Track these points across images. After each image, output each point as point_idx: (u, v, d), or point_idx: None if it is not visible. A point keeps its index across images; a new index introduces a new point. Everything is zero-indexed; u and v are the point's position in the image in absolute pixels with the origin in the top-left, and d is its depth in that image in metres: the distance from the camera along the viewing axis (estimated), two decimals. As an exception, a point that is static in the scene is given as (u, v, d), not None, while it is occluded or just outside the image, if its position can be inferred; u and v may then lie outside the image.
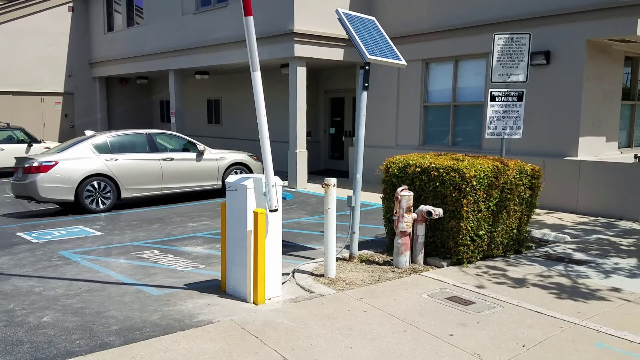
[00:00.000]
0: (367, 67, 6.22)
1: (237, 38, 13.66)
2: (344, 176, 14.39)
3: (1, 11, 18.54)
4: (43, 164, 9.80)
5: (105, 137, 10.68)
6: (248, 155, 12.63)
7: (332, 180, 5.76)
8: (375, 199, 10.92)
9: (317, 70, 16.26)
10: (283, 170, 15.02)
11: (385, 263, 6.47)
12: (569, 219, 9.29)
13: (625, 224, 8.83)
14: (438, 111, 12.30)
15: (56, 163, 9.89)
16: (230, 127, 18.63)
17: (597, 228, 8.56)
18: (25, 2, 18.98)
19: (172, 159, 11.17)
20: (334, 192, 5.77)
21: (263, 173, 5.17)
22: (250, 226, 5.03)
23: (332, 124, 16.74)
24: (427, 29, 11.99)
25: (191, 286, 5.58)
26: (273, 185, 5.07)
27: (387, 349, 4.18)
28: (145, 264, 6.49)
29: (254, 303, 5.05)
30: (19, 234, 8.26)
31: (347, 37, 12.84)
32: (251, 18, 4.83)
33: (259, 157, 13.14)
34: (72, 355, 3.86)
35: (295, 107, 12.69)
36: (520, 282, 5.79)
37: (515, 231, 6.79)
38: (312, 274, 6.05)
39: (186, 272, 6.15)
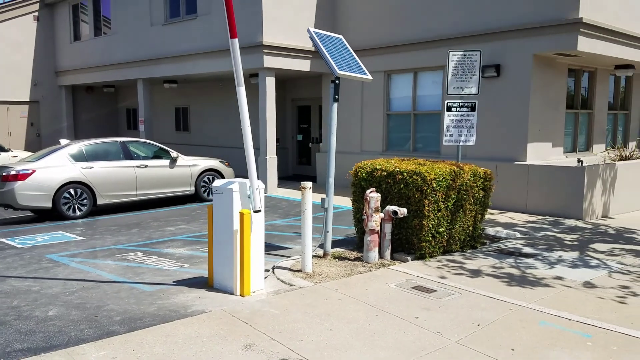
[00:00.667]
0: (337, 82, 6.85)
1: (206, 49, 14.13)
2: (312, 181, 14.99)
3: (-37, 19, 18.40)
4: (21, 172, 10.04)
5: (81, 146, 10.97)
6: (220, 161, 13.09)
7: (309, 184, 6.36)
8: (343, 202, 11.56)
9: (285, 80, 16.84)
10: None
11: (356, 259, 7.10)
12: (519, 218, 10.15)
13: (570, 222, 9.73)
14: (400, 119, 13.08)
15: (34, 171, 10.13)
16: (199, 134, 18.98)
17: (545, 226, 9.43)
18: (-11, 11, 18.89)
19: (146, 166, 11.54)
20: (310, 194, 6.37)
21: (242, 178, 5.72)
22: (236, 225, 5.57)
23: (300, 130, 17.35)
24: (387, 42, 12.76)
25: (180, 283, 6.06)
26: (257, 189, 5.62)
27: (362, 329, 4.79)
28: (132, 264, 6.92)
29: (240, 295, 5.58)
30: (1, 240, 8.50)
31: (313, 49, 13.53)
32: (236, 40, 5.38)
33: (230, 163, 13.63)
34: (83, 342, 4.31)
35: (265, 116, 13.23)
36: (475, 273, 6.50)
37: (471, 228, 7.53)
38: (290, 269, 6.62)
39: (172, 271, 6.61)
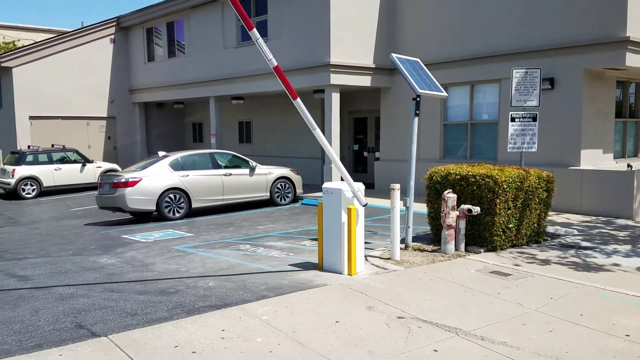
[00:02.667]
0: (418, 99, 8.07)
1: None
2: (369, 187, 16.17)
3: (50, 44, 20.47)
4: (130, 180, 11.60)
5: (178, 157, 12.51)
6: (290, 170, 14.47)
7: (397, 185, 7.58)
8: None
9: (342, 94, 18.12)
10: (314, 184, 16.84)
11: (434, 251, 8.24)
12: (574, 218, 11.09)
13: (621, 221, 10.62)
14: (456, 129, 14.18)
15: (141, 179, 11.69)
16: (260, 146, 20.47)
17: (599, 225, 10.36)
18: (72, 36, 20.94)
19: (230, 174, 13.00)
20: (398, 195, 7.58)
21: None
22: (344, 218, 6.82)
23: (355, 141, 18.62)
24: (445, 58, 13.92)
25: (294, 266, 7.34)
26: (358, 190, 6.87)
27: (456, 300, 5.94)
28: (247, 253, 8.27)
29: (348, 274, 6.82)
30: (124, 237, 10.00)
31: (373, 66, 14.85)
32: (299, 99, 6.67)
33: (298, 171, 14.97)
34: (247, 302, 5.62)
35: (330, 127, 14.56)
36: (543, 261, 7.56)
37: (535, 225, 8.59)
38: (380, 257, 7.83)
39: (282, 258, 7.92)
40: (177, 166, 12.29)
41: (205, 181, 12.52)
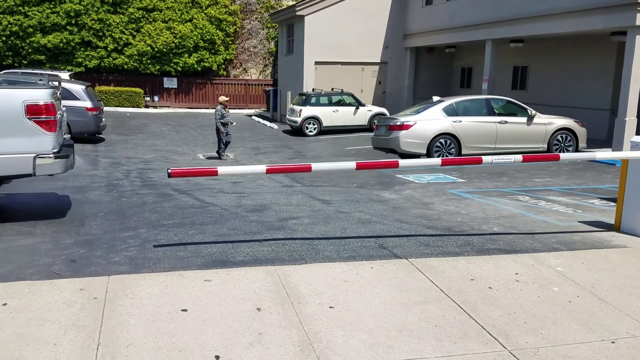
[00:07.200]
0: None
1: (565, 9, 14.08)
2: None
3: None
4: (404, 124, 12.06)
5: (452, 102, 12.49)
6: (574, 121, 13.15)
7: None
8: None
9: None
10: (596, 138, 15.06)
11: None
12: None
13: None
14: None
15: (415, 123, 12.05)
16: (535, 93, 18.95)
17: None
18: (353, -16, 22.12)
19: (505, 122, 12.44)
20: None
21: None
22: (660, 176, 5.91)
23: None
24: None
25: (584, 223, 6.74)
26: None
27: None
28: (528, 205, 7.91)
29: (655, 240, 5.97)
30: (398, 176, 10.53)
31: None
32: None
33: (583, 123, 13.52)
34: (537, 251, 5.42)
35: (629, 75, 12.64)
36: None
37: None
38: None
39: (569, 214, 7.33)
40: (450, 111, 12.29)
41: (478, 128, 12.26)
